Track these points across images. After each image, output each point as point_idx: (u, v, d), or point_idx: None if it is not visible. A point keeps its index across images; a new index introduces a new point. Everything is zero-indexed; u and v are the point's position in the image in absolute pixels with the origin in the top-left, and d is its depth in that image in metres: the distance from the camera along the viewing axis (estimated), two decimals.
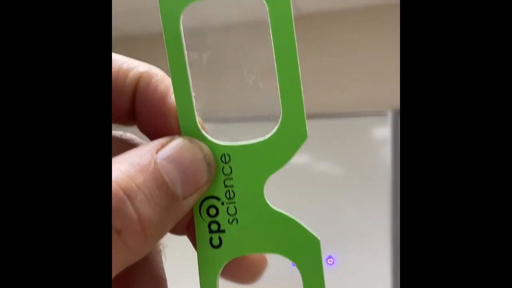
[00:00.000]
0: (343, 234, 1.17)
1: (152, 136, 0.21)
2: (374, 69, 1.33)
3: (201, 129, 0.20)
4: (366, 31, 1.32)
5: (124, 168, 0.17)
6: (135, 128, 0.22)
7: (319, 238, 0.20)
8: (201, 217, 0.21)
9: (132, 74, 0.20)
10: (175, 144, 0.19)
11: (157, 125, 0.20)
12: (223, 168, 0.20)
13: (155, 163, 0.18)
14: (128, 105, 0.21)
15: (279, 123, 0.20)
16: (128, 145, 0.22)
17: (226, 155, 0.20)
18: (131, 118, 0.21)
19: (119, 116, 0.21)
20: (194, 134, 0.20)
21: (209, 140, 0.20)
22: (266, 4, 0.19)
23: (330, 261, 1.08)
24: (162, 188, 0.18)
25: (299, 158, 1.21)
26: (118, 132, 0.22)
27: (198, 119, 0.20)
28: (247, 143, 0.20)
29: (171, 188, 0.18)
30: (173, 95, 0.20)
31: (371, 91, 1.30)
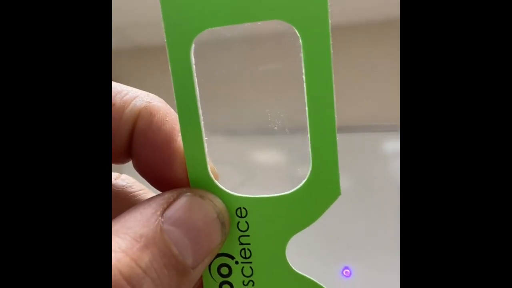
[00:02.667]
0: (355, 246, 1.16)
1: (152, 181, 0.18)
2: (386, 84, 1.32)
3: (213, 178, 0.17)
4: (378, 46, 1.30)
5: (125, 245, 0.14)
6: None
7: None
8: (211, 276, 0.18)
9: (128, 111, 0.17)
10: (184, 202, 0.16)
11: (160, 171, 0.17)
12: (238, 223, 0.17)
13: (162, 230, 0.15)
14: (123, 147, 0.17)
15: (307, 176, 0.17)
16: (125, 195, 0.18)
17: (242, 208, 0.17)
18: (127, 157, 0.18)
19: (112, 158, 0.18)
20: (205, 184, 0.17)
21: (223, 191, 0.17)
22: (300, 40, 0.15)
23: (346, 272, 1.07)
24: (171, 264, 0.15)
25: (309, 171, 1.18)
26: (112, 174, 0.19)
27: (209, 165, 0.17)
28: (268, 197, 0.17)
29: (181, 262, 0.15)
30: (180, 137, 0.17)
31: (382, 106, 1.28)
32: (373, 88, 1.29)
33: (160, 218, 0.15)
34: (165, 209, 0.16)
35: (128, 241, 0.14)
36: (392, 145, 1.24)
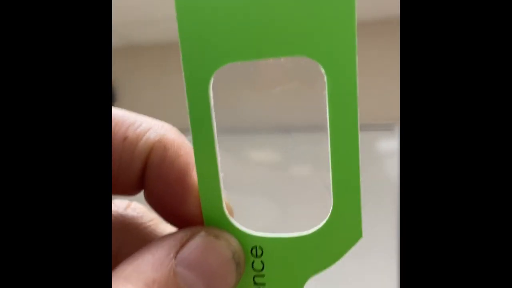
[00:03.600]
0: None
1: (164, 215, 0.17)
2: (381, 83, 1.32)
3: (228, 215, 0.16)
4: (374, 45, 1.29)
5: None
6: None
7: None
8: None
9: (141, 145, 0.16)
10: (198, 242, 0.15)
11: (173, 206, 0.16)
12: (253, 262, 0.17)
13: (175, 274, 0.14)
14: (135, 180, 0.16)
15: (327, 217, 0.16)
16: (135, 227, 0.18)
17: (258, 247, 0.16)
18: (138, 189, 0.17)
19: (123, 190, 0.17)
20: (219, 221, 0.16)
21: (238, 230, 0.16)
22: (324, 74, 0.14)
23: None
24: None
25: (303, 170, 1.19)
26: (122, 203, 0.18)
27: (225, 201, 0.16)
28: (285, 236, 0.16)
29: None
30: (194, 171, 0.16)
31: (378, 104, 1.28)
32: (369, 87, 1.28)
33: (173, 260, 0.15)
34: (178, 251, 0.15)
35: (140, 287, 0.14)
36: (387, 143, 1.23)
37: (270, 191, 1.14)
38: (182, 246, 0.15)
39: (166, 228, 0.18)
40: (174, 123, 0.17)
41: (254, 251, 0.16)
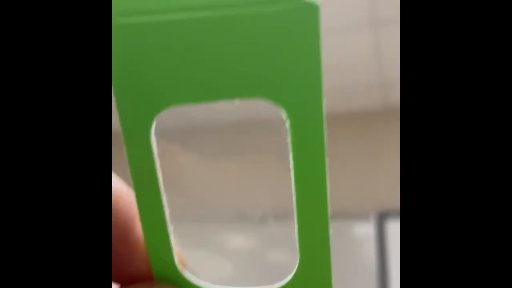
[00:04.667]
0: None
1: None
2: (358, 172, 1.34)
3: (180, 268, 0.14)
4: (346, 136, 1.32)
5: None
6: None
7: None
8: None
9: None
10: None
11: (117, 267, 0.14)
12: None
13: None
14: None
15: (294, 271, 0.14)
16: None
17: None
18: None
19: None
20: (171, 276, 0.14)
21: (191, 284, 0.14)
22: (287, 117, 0.12)
23: None
24: None
25: (282, 256, 1.20)
26: None
27: (176, 253, 0.14)
28: None
29: None
30: (138, 225, 0.14)
31: (354, 193, 1.29)
32: (344, 177, 1.29)
33: None
34: None
35: None
36: (364, 230, 1.26)
37: (246, 278, 1.17)
38: None
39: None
40: None
41: None
